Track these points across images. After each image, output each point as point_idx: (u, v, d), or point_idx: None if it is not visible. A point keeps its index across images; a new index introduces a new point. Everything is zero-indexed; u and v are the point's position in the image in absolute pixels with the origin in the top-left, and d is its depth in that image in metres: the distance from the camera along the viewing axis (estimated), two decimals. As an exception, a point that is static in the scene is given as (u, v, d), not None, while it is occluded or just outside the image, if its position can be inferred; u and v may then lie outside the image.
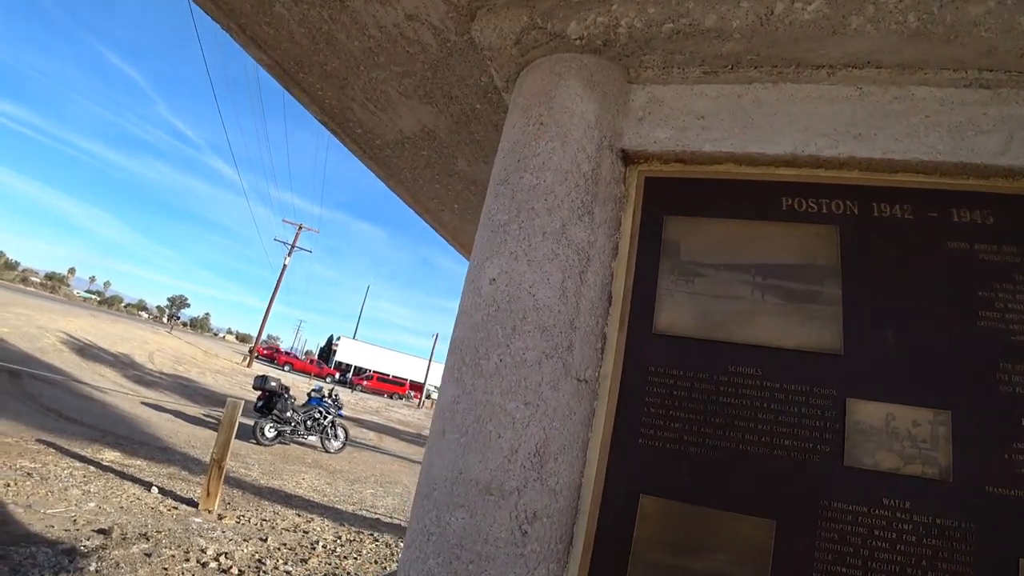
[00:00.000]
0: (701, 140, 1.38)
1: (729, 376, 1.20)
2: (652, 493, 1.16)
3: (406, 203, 2.92)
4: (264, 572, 5.11)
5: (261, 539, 6.01)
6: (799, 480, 1.10)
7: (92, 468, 7.34)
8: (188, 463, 9.26)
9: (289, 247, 39.62)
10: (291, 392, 13.79)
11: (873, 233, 1.27)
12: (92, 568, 4.34)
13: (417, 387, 61.46)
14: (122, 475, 7.36)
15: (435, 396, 67.81)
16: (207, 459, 9.74)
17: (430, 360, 64.11)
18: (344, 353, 65.83)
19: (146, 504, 6.40)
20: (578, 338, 1.22)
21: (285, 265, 38.92)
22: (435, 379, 70.08)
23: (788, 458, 1.11)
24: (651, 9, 1.33)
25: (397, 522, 8.55)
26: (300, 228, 40.27)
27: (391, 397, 52.37)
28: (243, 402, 7.64)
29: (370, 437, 19.52)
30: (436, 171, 2.43)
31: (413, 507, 1.21)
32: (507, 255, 1.26)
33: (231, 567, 5.01)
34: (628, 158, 1.46)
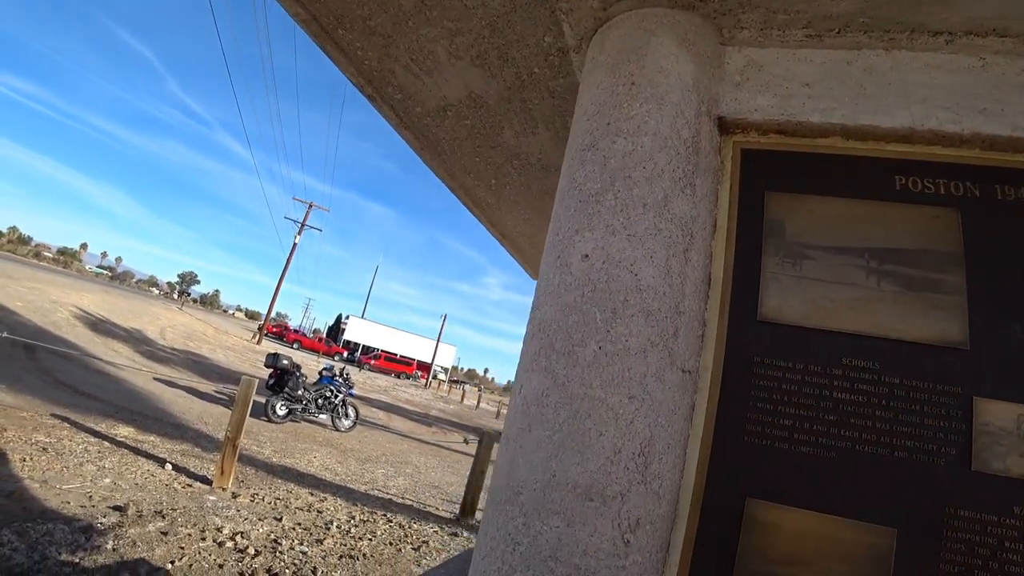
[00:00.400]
0: (808, 110, 1.23)
1: (843, 369, 1.09)
2: (759, 496, 1.05)
3: (439, 178, 2.77)
4: (280, 552, 5.06)
5: (276, 518, 5.97)
6: (922, 485, 1.00)
7: (106, 443, 7.32)
8: (200, 440, 9.27)
9: (299, 226, 39.56)
10: (302, 370, 13.78)
11: (997, 218, 1.15)
12: (109, 546, 4.29)
13: (424, 367, 61.73)
14: (136, 451, 7.35)
15: (441, 376, 68.19)
16: (219, 436, 9.75)
17: (438, 341, 64.31)
18: (352, 332, 66.21)
19: (160, 481, 6.37)
20: (683, 324, 1.10)
21: (295, 244, 38.89)
22: (442, 360, 70.42)
23: (910, 460, 1.01)
24: (761, -39, 1.18)
25: (409, 503, 8.53)
26: (311, 207, 40.09)
27: (398, 376, 52.61)
28: (257, 380, 7.58)
29: (379, 416, 19.57)
30: (478, 143, 2.27)
31: (490, 511, 1.08)
32: (602, 228, 1.12)
33: (247, 547, 4.96)
34: (724, 127, 1.31)
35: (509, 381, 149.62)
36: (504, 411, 41.10)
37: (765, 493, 1.05)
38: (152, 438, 8.37)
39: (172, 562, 4.30)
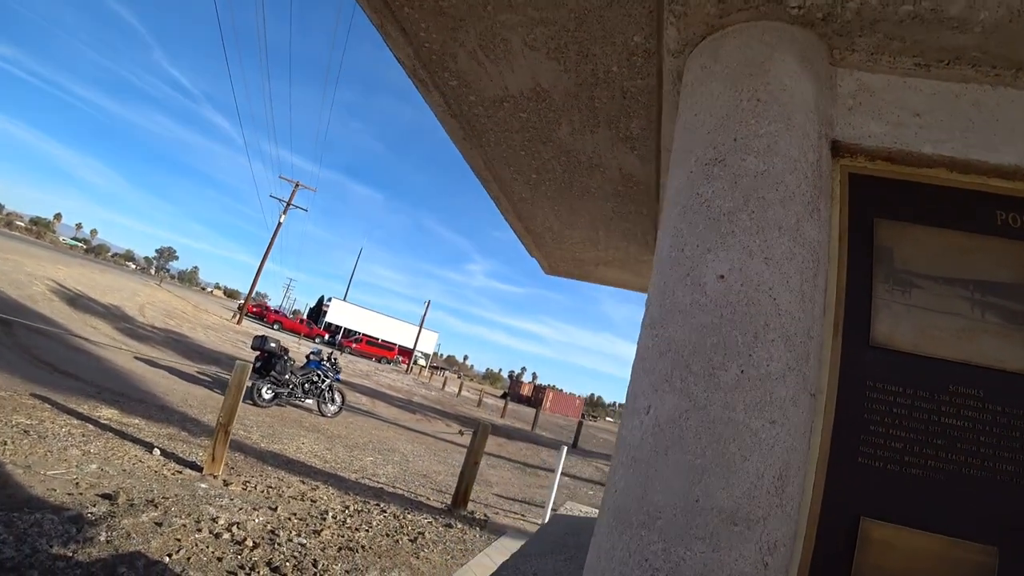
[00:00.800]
0: (920, 140, 1.24)
1: (950, 396, 1.12)
2: (873, 516, 1.08)
3: (473, 167, 2.65)
4: (278, 544, 4.95)
5: (271, 508, 5.85)
6: (1021, 506, 1.05)
7: (90, 426, 7.11)
8: (187, 423, 9.06)
9: (285, 205, 38.88)
10: (290, 354, 13.57)
11: None
12: (103, 538, 4.14)
13: (405, 352, 61.50)
14: (122, 435, 7.15)
15: (422, 362, 67.94)
16: (205, 419, 9.56)
17: (420, 327, 64.03)
18: (334, 314, 65.70)
19: (149, 467, 6.20)
20: (812, 348, 1.10)
21: (280, 223, 38.23)
22: (424, 345, 70.11)
23: (1010, 484, 1.07)
24: (896, -13, 1.17)
25: (400, 492, 8.46)
26: (297, 186, 39.35)
27: (379, 361, 52.34)
28: (249, 365, 7.40)
29: (363, 402, 19.43)
30: (528, 136, 2.16)
31: (616, 535, 1.06)
32: (738, 249, 1.10)
33: (245, 538, 4.84)
34: (835, 150, 1.30)
35: (488, 368, 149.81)
36: (486, 400, 41.17)
37: (878, 513, 1.08)
38: (137, 421, 8.16)
39: (170, 555, 4.17)
